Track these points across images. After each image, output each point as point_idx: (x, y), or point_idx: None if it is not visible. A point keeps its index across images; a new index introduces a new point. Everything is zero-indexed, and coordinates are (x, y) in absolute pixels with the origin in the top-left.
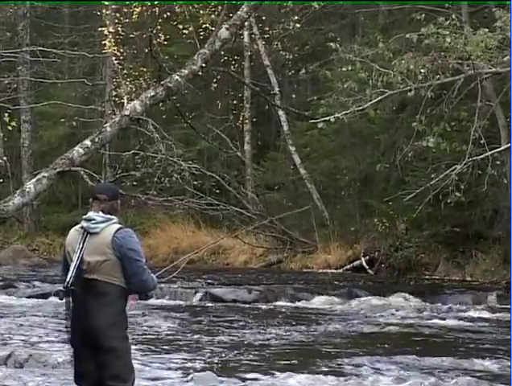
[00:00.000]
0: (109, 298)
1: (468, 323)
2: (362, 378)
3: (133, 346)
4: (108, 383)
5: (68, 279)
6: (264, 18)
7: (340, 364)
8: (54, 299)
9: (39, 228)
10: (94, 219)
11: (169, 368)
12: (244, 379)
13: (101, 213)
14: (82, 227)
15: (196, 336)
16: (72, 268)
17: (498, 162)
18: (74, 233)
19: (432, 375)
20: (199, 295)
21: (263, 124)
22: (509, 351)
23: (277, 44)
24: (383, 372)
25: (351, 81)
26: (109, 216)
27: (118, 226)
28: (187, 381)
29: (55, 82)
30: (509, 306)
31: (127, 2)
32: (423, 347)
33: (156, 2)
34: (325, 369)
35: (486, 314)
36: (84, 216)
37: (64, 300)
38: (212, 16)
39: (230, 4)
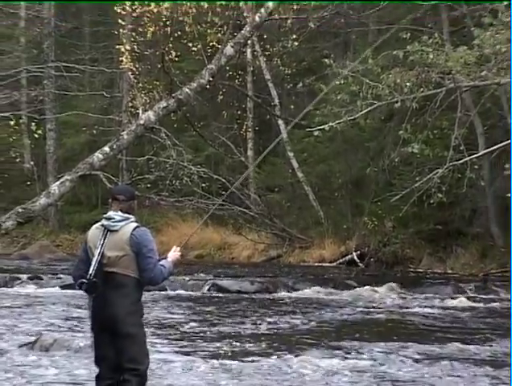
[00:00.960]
0: (126, 289)
1: (448, 311)
2: (352, 360)
3: (147, 333)
4: (125, 365)
5: (90, 272)
6: (265, 36)
7: (333, 347)
8: (77, 290)
9: (63, 226)
10: (114, 218)
11: (179, 352)
12: (247, 361)
13: (119, 212)
14: (103, 225)
15: (204, 323)
16: (93, 262)
17: (476, 167)
18: (95, 230)
19: (415, 357)
20: (207, 286)
21: (264, 132)
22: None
23: (277, 60)
24: (371, 355)
25: (343, 93)
26: (126, 215)
27: (135, 224)
28: (196, 363)
29: (77, 94)
30: (486, 296)
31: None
32: (407, 333)
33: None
34: (319, 352)
35: (465, 303)
36: (104, 215)
37: (86, 291)
38: (219, 35)
39: (235, 24)
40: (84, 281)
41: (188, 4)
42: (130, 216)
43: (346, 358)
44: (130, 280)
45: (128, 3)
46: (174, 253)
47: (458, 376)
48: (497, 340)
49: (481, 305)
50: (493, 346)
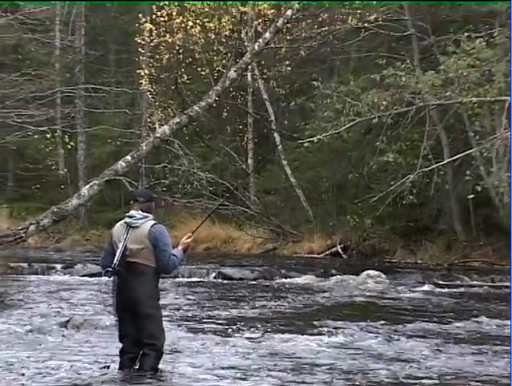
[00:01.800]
0: (146, 277)
1: (418, 295)
2: (337, 337)
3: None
4: (145, 341)
5: (115, 261)
6: (263, 62)
7: (321, 326)
8: (103, 277)
9: (91, 223)
10: (135, 217)
11: (190, 331)
12: (248, 338)
13: (139, 212)
14: (126, 223)
15: (211, 305)
16: (118, 254)
17: (442, 173)
18: (119, 227)
19: (390, 334)
20: (213, 274)
21: (262, 144)
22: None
23: (273, 82)
24: (354, 332)
25: (329, 111)
26: (146, 214)
27: (153, 222)
28: (205, 340)
29: (103, 111)
30: (450, 283)
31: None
32: (384, 313)
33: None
34: (310, 330)
35: (433, 289)
36: (127, 214)
37: (111, 278)
38: (223, 61)
39: (237, 52)
40: (109, 269)
41: (198, 35)
42: (149, 215)
43: (332, 335)
44: (149, 269)
45: (147, 35)
46: (185, 241)
47: (427, 349)
48: (460, 319)
49: (446, 290)
50: (457, 323)
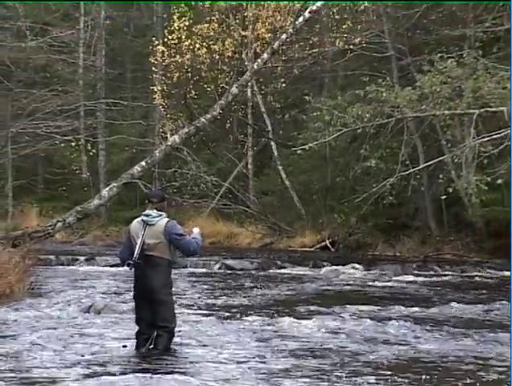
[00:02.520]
0: (161, 268)
1: (397, 284)
2: (326, 320)
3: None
4: (159, 323)
5: (135, 255)
6: (261, 79)
7: (312, 310)
8: (124, 268)
9: (111, 221)
10: (151, 215)
11: (198, 314)
12: (248, 321)
13: (154, 211)
14: (143, 220)
15: (216, 292)
16: (137, 248)
17: (418, 176)
18: (136, 224)
19: (373, 317)
20: (218, 265)
21: (261, 151)
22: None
23: (270, 97)
24: (341, 316)
25: (319, 122)
26: (160, 213)
27: (167, 219)
28: (212, 322)
29: (121, 123)
30: (425, 272)
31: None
32: (367, 300)
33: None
34: (302, 314)
35: (410, 278)
36: (143, 213)
37: (131, 269)
38: (226, 79)
39: (238, 70)
40: (130, 261)
41: (204, 55)
42: (163, 213)
43: (322, 318)
44: (164, 261)
45: (159, 56)
46: (197, 231)
47: (407, 331)
48: (434, 304)
49: (422, 279)
50: (432, 309)
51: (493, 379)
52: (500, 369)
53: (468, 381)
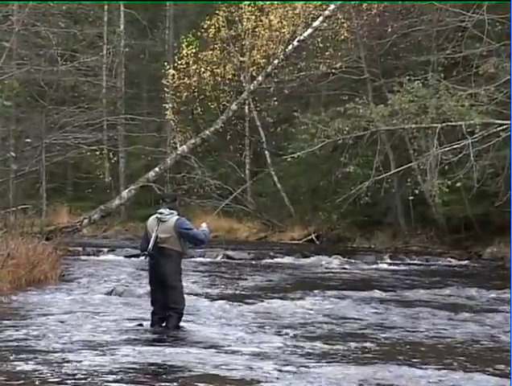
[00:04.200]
0: (172, 258)
1: (372, 272)
2: (313, 302)
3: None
4: (170, 305)
5: (149, 247)
6: (256, 98)
7: (301, 294)
8: (141, 258)
9: (130, 218)
10: (164, 213)
11: (204, 297)
12: (247, 303)
13: (167, 209)
14: (157, 217)
15: (219, 278)
16: (151, 241)
17: (389, 180)
18: (152, 220)
19: (353, 300)
20: (220, 255)
21: (256, 158)
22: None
23: (264, 113)
24: (324, 299)
25: (306, 134)
26: (172, 211)
27: (177, 217)
28: (215, 303)
29: (138, 135)
30: (396, 261)
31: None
32: (346, 285)
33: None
34: (292, 296)
35: (383, 266)
36: (157, 211)
37: (147, 259)
38: (227, 97)
39: (237, 90)
40: (145, 253)
41: (208, 78)
42: (174, 211)
43: (307, 300)
44: (174, 252)
45: (170, 78)
46: (205, 225)
47: (379, 310)
48: (403, 288)
49: (393, 267)
50: (400, 292)
51: (452, 351)
52: (458, 343)
53: (430, 353)
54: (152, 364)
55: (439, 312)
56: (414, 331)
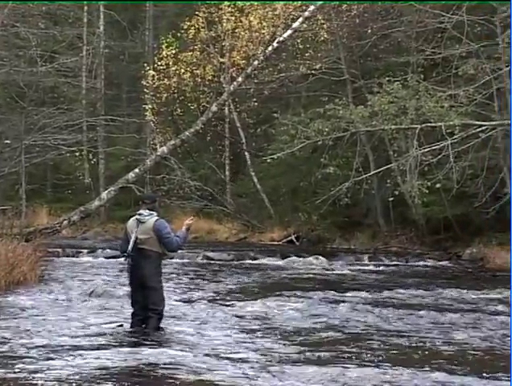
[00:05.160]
0: (152, 259)
1: (352, 272)
2: (293, 302)
3: (165, 286)
4: (150, 306)
5: (129, 248)
6: (236, 99)
7: (280, 295)
8: (120, 259)
9: (109, 219)
10: (143, 214)
11: (184, 297)
12: (225, 304)
13: (146, 211)
14: (136, 219)
15: (199, 279)
16: (131, 242)
17: (369, 181)
18: (131, 222)
19: (332, 300)
20: (200, 256)
21: (236, 159)
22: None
23: (244, 114)
24: (304, 299)
25: (286, 135)
26: (151, 212)
27: (157, 218)
28: (195, 303)
29: (118, 136)
30: (375, 262)
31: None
32: (326, 286)
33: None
34: (272, 297)
35: (363, 267)
36: (137, 212)
37: (127, 260)
38: (207, 98)
39: (217, 91)
40: (125, 254)
41: (188, 79)
42: (153, 212)
43: (289, 301)
44: (154, 253)
45: (150, 79)
46: (188, 222)
47: (358, 311)
48: (382, 288)
49: (372, 267)
50: (380, 292)
51: (431, 350)
52: (437, 342)
53: (411, 355)
54: (131, 366)
55: (420, 313)
56: (394, 332)
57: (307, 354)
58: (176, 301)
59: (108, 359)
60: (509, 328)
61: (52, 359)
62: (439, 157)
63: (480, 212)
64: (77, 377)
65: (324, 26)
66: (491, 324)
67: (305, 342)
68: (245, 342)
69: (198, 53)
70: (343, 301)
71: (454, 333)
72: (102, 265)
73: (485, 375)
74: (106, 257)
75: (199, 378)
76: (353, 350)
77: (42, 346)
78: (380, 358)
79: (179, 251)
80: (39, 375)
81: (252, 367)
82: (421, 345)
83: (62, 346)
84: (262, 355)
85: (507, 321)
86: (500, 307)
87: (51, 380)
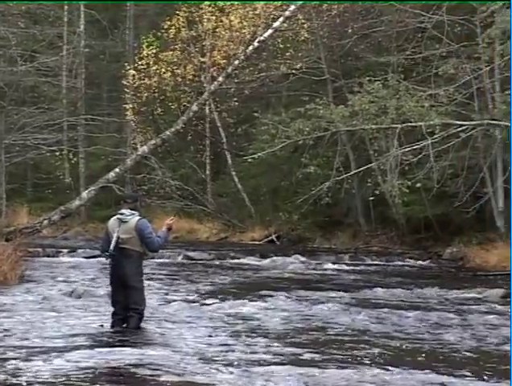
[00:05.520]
0: (133, 258)
1: (333, 272)
2: (273, 302)
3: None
4: (130, 306)
5: (111, 247)
6: (217, 99)
7: (260, 294)
8: (101, 258)
9: (90, 218)
10: (125, 214)
11: (164, 297)
12: (205, 304)
13: (128, 210)
14: (118, 218)
15: (179, 279)
16: (113, 242)
17: (350, 181)
18: (113, 221)
19: (313, 299)
20: (180, 256)
21: (217, 159)
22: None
23: (224, 114)
24: (285, 298)
25: (266, 135)
26: (133, 212)
27: (139, 217)
28: (176, 301)
29: (98, 135)
30: (356, 262)
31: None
32: (306, 285)
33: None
34: (251, 297)
35: (343, 266)
36: (119, 212)
37: (108, 259)
38: (188, 98)
39: (198, 91)
40: (107, 253)
41: (168, 78)
42: (135, 212)
43: (269, 301)
44: (136, 253)
45: (131, 79)
46: (168, 222)
47: (339, 310)
48: (363, 288)
49: (353, 267)
50: (361, 291)
51: (410, 349)
52: (418, 342)
53: (390, 352)
54: (112, 367)
55: (401, 313)
56: (376, 333)
57: (290, 354)
58: (157, 301)
59: (88, 360)
60: (492, 328)
61: (32, 359)
62: (420, 156)
63: (460, 212)
64: (57, 378)
65: (305, 25)
66: (474, 323)
67: (287, 343)
68: (226, 343)
69: (179, 53)
70: (324, 301)
71: (435, 332)
72: (83, 265)
73: (469, 374)
74: (87, 257)
75: (180, 379)
76: (335, 351)
77: (21, 347)
78: (361, 358)
79: (160, 250)
80: (17, 376)
81: (234, 368)
82: (404, 345)
83: (42, 346)
84: (244, 355)
85: (488, 320)
86: (481, 307)
87: (30, 382)
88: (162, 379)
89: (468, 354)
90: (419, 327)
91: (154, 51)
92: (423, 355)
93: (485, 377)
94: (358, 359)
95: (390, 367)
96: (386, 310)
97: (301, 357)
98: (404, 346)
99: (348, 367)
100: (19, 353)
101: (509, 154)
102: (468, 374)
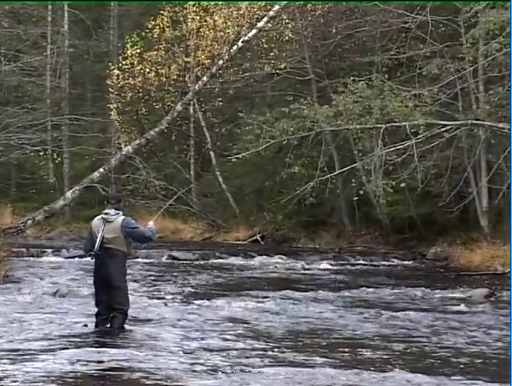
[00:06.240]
0: (117, 258)
1: (317, 271)
2: (258, 302)
3: (130, 285)
4: (115, 306)
5: (96, 247)
6: (201, 98)
7: (245, 294)
8: (85, 259)
9: (74, 218)
10: (110, 214)
11: (148, 296)
12: (189, 303)
13: (112, 210)
14: (102, 218)
15: (163, 278)
16: (97, 241)
17: (334, 181)
18: (97, 221)
19: (297, 298)
20: (165, 256)
21: (201, 159)
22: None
23: (209, 114)
24: (270, 298)
25: (251, 135)
26: (117, 211)
27: (123, 217)
28: (160, 301)
29: (82, 135)
30: (340, 262)
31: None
32: (290, 284)
33: None
34: (236, 297)
35: (328, 266)
36: (103, 212)
37: (93, 259)
38: (172, 98)
39: (182, 91)
40: (92, 253)
41: (153, 78)
42: (119, 212)
43: (254, 301)
44: (120, 252)
45: (115, 79)
46: (152, 223)
47: (323, 309)
48: (347, 287)
49: (337, 267)
50: (345, 291)
51: (398, 350)
52: (403, 342)
53: (377, 354)
54: (97, 367)
55: (385, 312)
56: (361, 332)
57: (276, 355)
58: (141, 301)
59: (72, 360)
60: (478, 328)
61: (15, 360)
62: (404, 156)
63: (444, 212)
64: (40, 379)
65: (289, 25)
66: (458, 323)
67: (273, 344)
68: (211, 343)
69: (163, 52)
70: (310, 301)
71: (422, 332)
72: (67, 265)
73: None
74: (71, 257)
75: (165, 380)
76: (322, 351)
77: (4, 349)
78: (347, 359)
79: (144, 250)
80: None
81: (219, 369)
82: (392, 345)
83: (25, 347)
84: (228, 356)
85: (473, 320)
86: (463, 307)
87: (15, 380)
88: (146, 380)
89: (454, 353)
90: (405, 328)
91: (138, 50)
92: (411, 356)
93: (471, 376)
94: (344, 359)
95: (377, 368)
96: (372, 310)
97: (288, 358)
98: (392, 347)
99: (335, 367)
100: (2, 354)
101: (492, 154)
102: (455, 373)
